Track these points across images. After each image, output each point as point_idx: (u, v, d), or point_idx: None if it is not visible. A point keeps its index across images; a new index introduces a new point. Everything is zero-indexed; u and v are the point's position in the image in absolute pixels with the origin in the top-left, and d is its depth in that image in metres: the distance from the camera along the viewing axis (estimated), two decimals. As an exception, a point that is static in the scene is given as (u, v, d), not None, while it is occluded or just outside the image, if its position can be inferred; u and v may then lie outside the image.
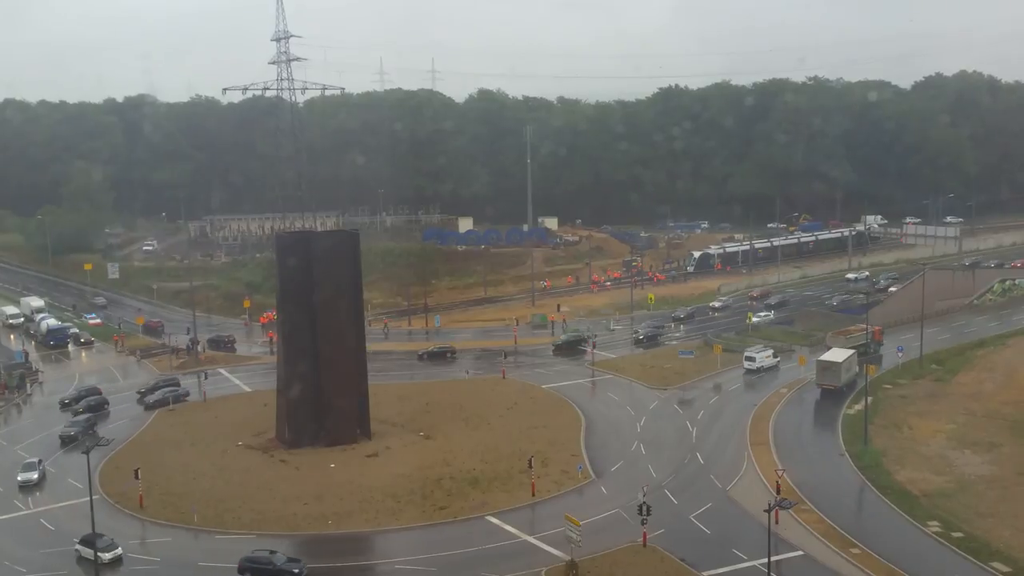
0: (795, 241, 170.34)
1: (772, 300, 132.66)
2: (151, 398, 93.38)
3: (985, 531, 59.47)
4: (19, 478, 71.38)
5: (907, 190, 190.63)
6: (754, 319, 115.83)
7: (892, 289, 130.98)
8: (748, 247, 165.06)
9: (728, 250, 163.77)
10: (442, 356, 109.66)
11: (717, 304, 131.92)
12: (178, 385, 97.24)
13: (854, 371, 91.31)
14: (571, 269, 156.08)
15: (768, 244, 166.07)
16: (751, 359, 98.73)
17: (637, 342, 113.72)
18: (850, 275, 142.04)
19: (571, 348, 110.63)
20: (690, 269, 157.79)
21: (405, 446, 78.99)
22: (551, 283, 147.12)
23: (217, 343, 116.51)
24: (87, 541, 57.29)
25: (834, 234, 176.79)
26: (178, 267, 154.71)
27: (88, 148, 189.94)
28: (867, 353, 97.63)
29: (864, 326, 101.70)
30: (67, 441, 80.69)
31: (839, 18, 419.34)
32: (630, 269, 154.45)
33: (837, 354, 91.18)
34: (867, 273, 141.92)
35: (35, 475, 71.50)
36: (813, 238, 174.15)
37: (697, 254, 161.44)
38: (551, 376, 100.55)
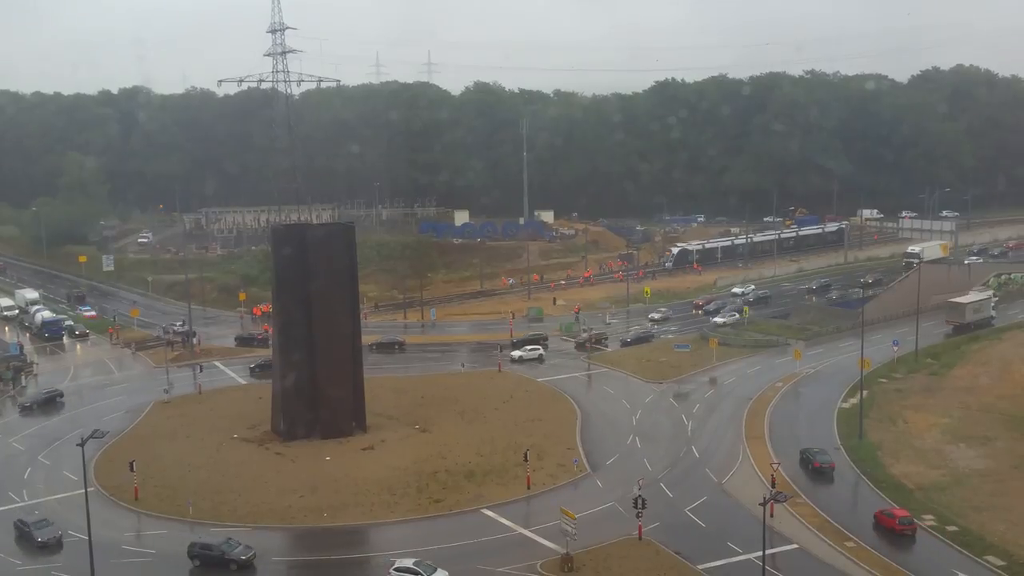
0: (775, 237, 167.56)
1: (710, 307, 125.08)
2: None
3: (980, 525, 59.67)
4: None
5: (904, 183, 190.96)
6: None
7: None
8: (728, 243, 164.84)
9: (707, 246, 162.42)
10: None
11: (656, 316, 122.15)
12: None
13: (985, 313, 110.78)
14: (568, 263, 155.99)
15: (747, 240, 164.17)
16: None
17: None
18: (736, 289, 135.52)
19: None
20: (668, 265, 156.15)
21: (401, 439, 78.91)
22: (507, 281, 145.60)
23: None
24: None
25: (815, 229, 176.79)
26: (173, 259, 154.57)
27: (83, 140, 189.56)
28: None
29: None
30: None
31: (836, 12, 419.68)
32: (631, 262, 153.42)
33: (966, 296, 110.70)
34: (753, 286, 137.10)
35: None
36: (794, 233, 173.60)
37: (675, 250, 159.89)
38: (547, 369, 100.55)
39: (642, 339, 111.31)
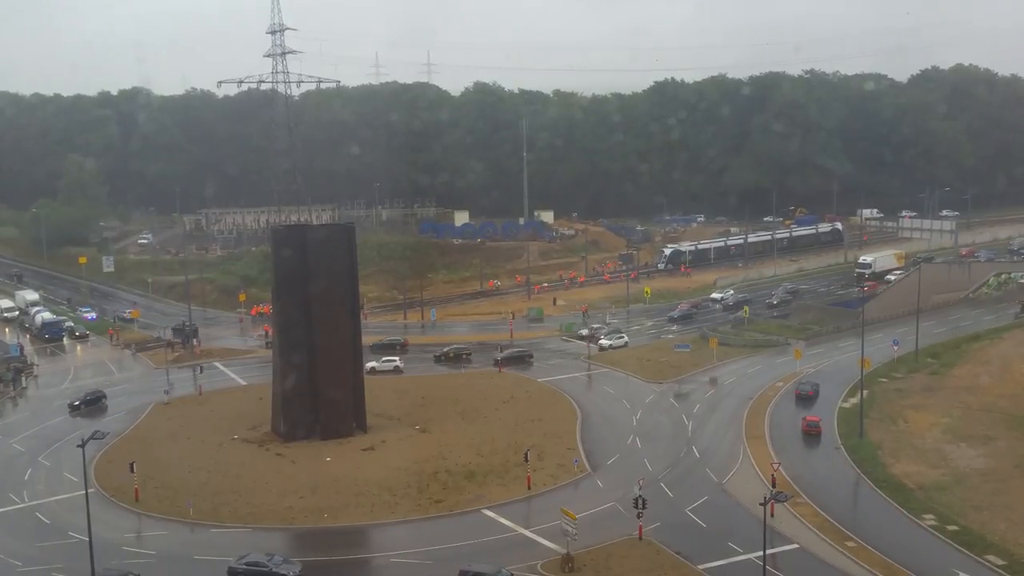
0: (768, 237, 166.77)
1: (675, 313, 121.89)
2: None
3: (980, 524, 59.59)
4: None
5: (904, 183, 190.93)
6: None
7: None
8: (722, 243, 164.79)
9: (700, 247, 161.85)
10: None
11: (584, 332, 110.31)
12: None
13: None
14: (567, 263, 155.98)
15: (743, 240, 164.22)
16: None
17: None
18: (715, 295, 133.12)
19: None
20: (661, 266, 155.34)
21: (401, 440, 78.89)
22: (493, 283, 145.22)
23: None
24: None
25: (809, 230, 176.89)
26: (173, 260, 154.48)
27: (83, 141, 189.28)
28: None
29: None
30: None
31: (836, 12, 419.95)
32: (630, 263, 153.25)
33: None
34: (732, 291, 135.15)
35: None
36: (788, 234, 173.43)
37: (668, 250, 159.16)
38: (547, 370, 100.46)
39: (516, 359, 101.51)
